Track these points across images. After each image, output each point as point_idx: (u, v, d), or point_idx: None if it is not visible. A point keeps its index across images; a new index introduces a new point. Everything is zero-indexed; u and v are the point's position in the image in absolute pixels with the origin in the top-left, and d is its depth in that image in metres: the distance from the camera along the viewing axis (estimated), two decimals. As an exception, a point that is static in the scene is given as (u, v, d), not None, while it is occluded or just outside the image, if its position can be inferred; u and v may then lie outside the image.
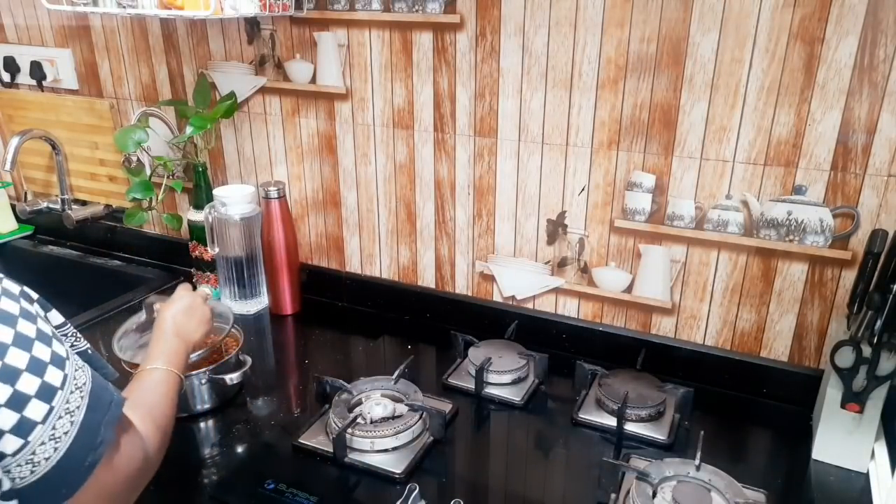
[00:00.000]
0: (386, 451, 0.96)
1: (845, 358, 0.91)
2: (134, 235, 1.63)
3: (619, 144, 1.09)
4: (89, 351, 0.64)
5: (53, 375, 0.54)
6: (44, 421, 0.53)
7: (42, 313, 0.58)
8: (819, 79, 0.94)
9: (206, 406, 1.06)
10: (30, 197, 1.77)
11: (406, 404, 1.02)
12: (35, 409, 0.52)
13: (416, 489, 0.85)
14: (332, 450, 0.95)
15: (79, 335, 0.63)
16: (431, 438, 0.99)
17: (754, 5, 0.95)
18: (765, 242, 1.05)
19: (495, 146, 1.19)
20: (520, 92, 1.13)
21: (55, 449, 0.53)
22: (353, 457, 0.95)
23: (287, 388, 1.16)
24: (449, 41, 1.16)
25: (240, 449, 0.99)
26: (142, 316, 1.11)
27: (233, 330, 1.13)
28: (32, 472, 0.53)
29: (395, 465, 0.93)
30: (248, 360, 1.10)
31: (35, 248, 1.74)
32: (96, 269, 1.64)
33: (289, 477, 0.92)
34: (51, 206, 1.71)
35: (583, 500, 0.91)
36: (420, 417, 0.99)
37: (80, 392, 0.56)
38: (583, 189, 1.14)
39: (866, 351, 0.90)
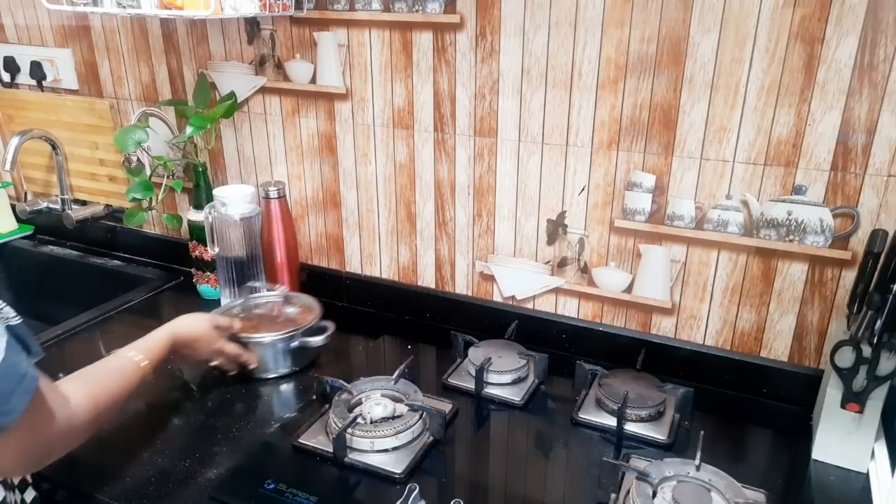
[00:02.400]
0: (386, 451, 0.96)
1: (845, 358, 0.91)
2: (134, 235, 1.63)
3: (619, 144, 1.09)
4: (22, 324, 0.69)
5: None
6: None
7: None
8: (819, 79, 0.94)
9: (287, 370, 1.17)
10: (30, 197, 1.77)
11: (406, 404, 1.02)
12: None
13: (416, 489, 0.85)
14: (332, 450, 0.95)
15: (11, 312, 0.68)
16: (431, 438, 0.99)
17: (754, 5, 0.95)
18: (765, 242, 1.05)
19: (495, 146, 1.19)
20: (520, 92, 1.13)
21: None
22: (353, 457, 0.95)
23: (287, 387, 1.16)
24: (449, 41, 1.16)
25: (240, 449, 0.99)
26: (237, 300, 1.28)
27: (311, 302, 1.25)
28: None
29: (395, 465, 0.93)
30: (331, 325, 1.19)
31: (35, 248, 1.74)
32: (96, 269, 1.64)
33: (289, 477, 0.92)
34: (51, 206, 1.71)
35: (583, 500, 0.91)
36: (420, 417, 0.99)
37: None
38: (583, 189, 1.14)
39: (866, 351, 0.90)
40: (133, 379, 0.91)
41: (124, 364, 0.91)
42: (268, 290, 1.29)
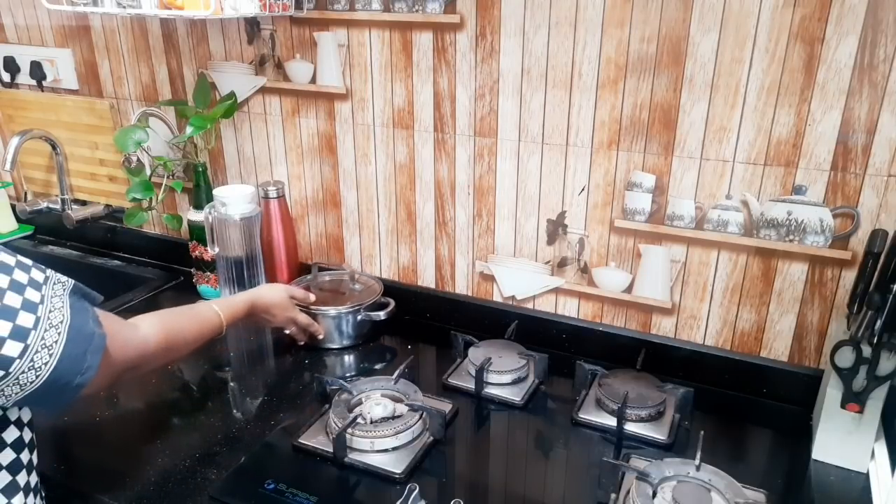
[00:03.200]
0: (386, 451, 0.96)
1: (845, 358, 0.91)
2: (134, 235, 1.64)
3: (619, 144, 1.09)
4: (76, 283, 0.74)
5: (25, 319, 0.65)
6: (21, 356, 0.64)
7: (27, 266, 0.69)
8: (819, 79, 0.94)
9: (351, 342, 1.27)
10: (30, 197, 1.77)
11: (406, 404, 1.02)
12: (10, 348, 0.64)
13: (416, 489, 0.85)
14: (332, 450, 0.95)
15: (60, 277, 0.72)
16: (431, 438, 0.99)
17: (754, 5, 0.95)
18: (765, 242, 1.05)
19: (495, 146, 1.19)
20: (520, 92, 1.13)
21: (37, 376, 0.66)
22: (353, 457, 0.95)
23: (287, 388, 1.16)
24: (449, 41, 1.16)
25: (240, 449, 0.99)
26: (307, 277, 1.37)
27: (374, 281, 1.35)
28: (22, 389, 0.66)
29: (395, 465, 0.93)
30: (392, 302, 1.28)
31: (35, 248, 1.74)
32: (96, 269, 1.64)
33: (289, 477, 0.92)
34: (51, 206, 1.71)
35: (583, 500, 0.91)
36: (420, 417, 0.99)
37: (57, 330, 0.68)
38: (583, 189, 1.14)
39: (866, 351, 0.90)
40: (208, 323, 0.99)
41: (202, 309, 1.01)
42: (335, 269, 1.40)
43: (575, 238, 1.18)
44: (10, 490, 0.73)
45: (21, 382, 0.65)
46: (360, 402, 1.04)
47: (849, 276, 1.01)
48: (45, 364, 0.66)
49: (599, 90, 1.08)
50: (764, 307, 1.08)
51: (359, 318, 1.26)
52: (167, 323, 0.90)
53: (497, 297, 1.29)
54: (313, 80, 1.30)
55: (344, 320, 1.26)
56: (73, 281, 0.73)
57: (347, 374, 1.20)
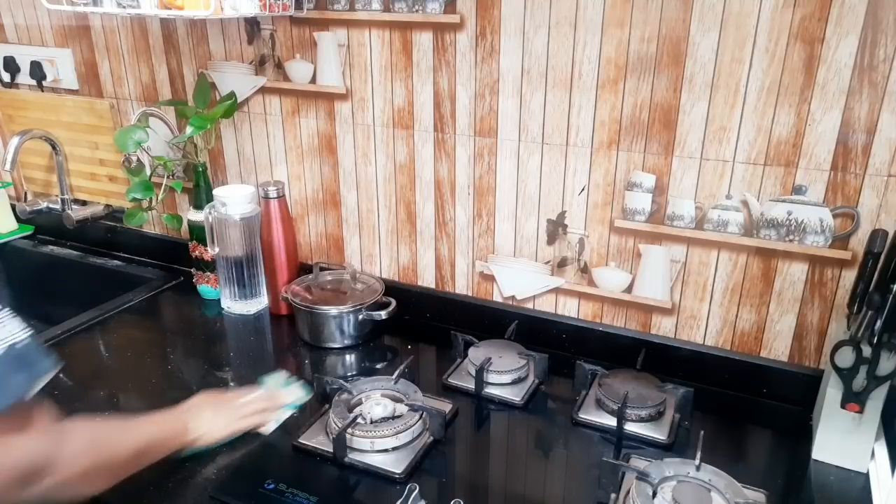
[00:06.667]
0: (386, 451, 0.96)
1: (845, 358, 0.91)
2: (134, 235, 1.64)
3: (619, 144, 1.09)
4: (27, 341, 0.68)
5: None
6: None
7: None
8: (819, 79, 0.94)
9: (352, 341, 1.27)
10: (30, 197, 1.77)
11: (406, 404, 1.02)
12: None
13: (416, 489, 0.85)
14: (332, 450, 0.95)
15: (20, 329, 0.67)
16: (431, 438, 0.99)
17: (754, 5, 0.95)
18: (765, 242, 1.05)
19: (495, 146, 1.19)
20: (520, 92, 1.13)
21: None
22: (353, 457, 0.95)
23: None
24: (449, 41, 1.16)
25: (240, 449, 0.99)
26: (308, 276, 1.37)
27: (375, 280, 1.34)
28: None
29: (395, 465, 0.93)
30: (393, 301, 1.27)
31: (35, 248, 1.74)
32: (96, 269, 1.64)
33: (289, 477, 0.92)
34: (51, 206, 1.71)
35: (583, 500, 0.91)
36: (420, 417, 0.99)
37: None
38: (583, 189, 1.14)
39: (866, 351, 0.90)
40: (137, 454, 0.85)
41: (139, 442, 0.86)
42: (336, 269, 1.40)
43: (575, 238, 1.18)
44: None
45: None
46: (360, 402, 1.04)
47: (849, 276, 1.01)
48: None
49: (599, 90, 1.08)
50: (764, 307, 1.08)
51: (360, 317, 1.26)
52: (99, 454, 0.77)
53: (497, 297, 1.29)
54: (313, 80, 1.30)
55: (345, 320, 1.26)
56: (27, 341, 0.67)
57: (347, 374, 1.20)
